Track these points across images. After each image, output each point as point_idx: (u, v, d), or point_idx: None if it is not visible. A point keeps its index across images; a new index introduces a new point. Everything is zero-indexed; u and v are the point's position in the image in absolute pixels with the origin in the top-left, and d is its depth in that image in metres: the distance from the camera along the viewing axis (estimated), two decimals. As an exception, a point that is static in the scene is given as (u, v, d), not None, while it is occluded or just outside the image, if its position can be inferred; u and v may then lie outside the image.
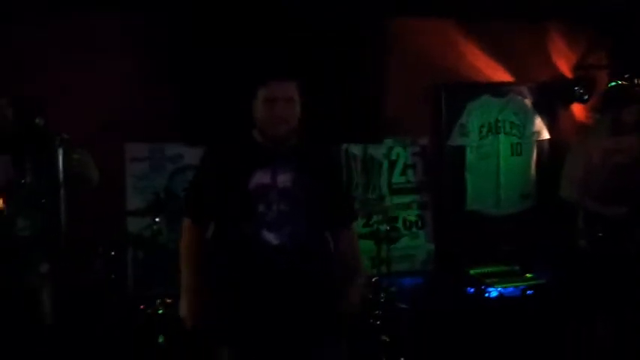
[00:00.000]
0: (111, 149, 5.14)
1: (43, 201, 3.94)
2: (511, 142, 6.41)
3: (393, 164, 6.14)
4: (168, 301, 4.48)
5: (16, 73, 4.90)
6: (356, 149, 5.99)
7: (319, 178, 3.14)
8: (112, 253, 4.56)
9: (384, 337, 4.75)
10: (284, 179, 3.07)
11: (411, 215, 6.18)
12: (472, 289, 5.42)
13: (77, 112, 4.93)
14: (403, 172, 6.17)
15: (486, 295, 5.31)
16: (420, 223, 6.20)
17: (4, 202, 3.80)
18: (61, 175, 3.79)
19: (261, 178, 3.05)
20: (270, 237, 3.01)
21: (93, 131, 4.93)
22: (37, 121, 3.78)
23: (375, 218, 5.80)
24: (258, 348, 3.01)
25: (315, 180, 3.12)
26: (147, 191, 5.36)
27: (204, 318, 3.06)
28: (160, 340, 4.44)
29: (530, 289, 5.37)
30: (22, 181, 3.88)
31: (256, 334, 3.01)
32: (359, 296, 3.21)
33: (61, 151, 3.81)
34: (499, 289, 5.32)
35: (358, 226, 5.67)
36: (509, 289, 5.37)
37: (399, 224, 6.09)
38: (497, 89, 6.38)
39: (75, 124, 4.25)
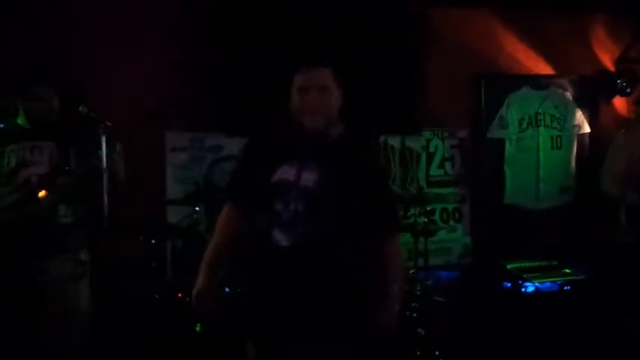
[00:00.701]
0: (152, 138, 5.21)
1: (85, 188, 4.00)
2: (551, 135, 6.35)
3: (431, 156, 6.12)
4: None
5: (60, 60, 4.96)
6: (394, 141, 5.98)
7: (354, 179, 2.88)
8: (153, 241, 4.60)
9: (419, 330, 4.74)
10: (308, 178, 2.85)
11: (449, 208, 6.16)
12: (509, 284, 5.38)
13: (120, 99, 4.99)
14: (441, 165, 6.14)
15: (523, 289, 5.27)
16: (457, 216, 6.17)
17: (46, 190, 3.85)
18: (104, 163, 3.82)
19: (285, 173, 2.88)
20: (281, 237, 2.83)
21: (135, 119, 4.96)
22: (80, 108, 3.80)
23: (412, 211, 5.78)
24: (266, 345, 2.91)
25: (348, 180, 2.87)
26: (186, 181, 5.41)
27: (211, 303, 3.02)
28: (198, 329, 4.47)
29: (567, 285, 5.31)
30: (66, 167, 3.94)
31: (263, 330, 2.92)
32: (393, 312, 2.94)
33: (104, 139, 3.83)
34: (536, 284, 5.28)
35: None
36: (547, 284, 5.31)
37: (437, 217, 6.08)
38: (537, 81, 6.32)
39: (118, 111, 4.28)
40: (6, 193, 3.86)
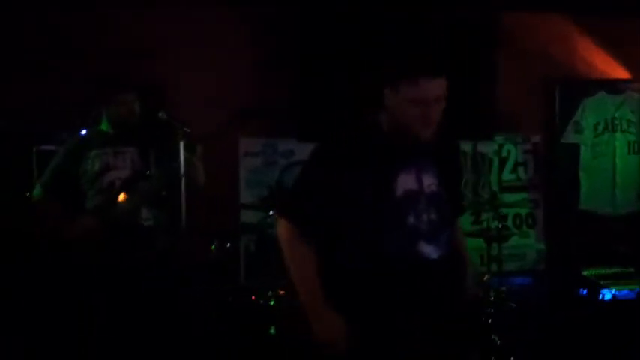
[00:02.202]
0: (226, 143, 5.30)
1: (164, 193, 4.10)
2: (628, 140, 6.21)
3: (503, 162, 6.06)
4: (281, 292, 4.55)
5: (141, 67, 5.08)
6: (465, 146, 5.94)
7: (452, 176, 2.80)
8: (227, 244, 4.68)
9: (493, 337, 4.70)
10: (430, 182, 2.69)
11: (522, 214, 6.08)
12: (585, 291, 5.28)
13: (196, 106, 5.09)
14: (514, 170, 6.07)
15: (600, 297, 5.17)
16: (530, 222, 6.09)
17: (125, 195, 3.96)
18: (182, 168, 3.91)
19: (407, 183, 2.64)
20: (429, 250, 2.65)
21: (210, 125, 5.05)
22: (160, 114, 3.91)
23: (484, 216, 5.73)
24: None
25: (449, 179, 2.77)
26: (259, 185, 5.49)
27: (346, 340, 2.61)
28: (272, 331, 4.52)
29: (645, 292, 5.20)
30: (147, 172, 4.04)
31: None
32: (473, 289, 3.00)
33: (182, 145, 3.92)
34: (613, 291, 5.17)
35: (467, 223, 5.65)
36: (624, 291, 5.20)
37: (509, 223, 6.01)
38: (613, 86, 6.20)
39: (194, 118, 4.37)
40: (90, 197, 3.99)
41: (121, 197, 3.95)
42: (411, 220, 2.62)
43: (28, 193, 4.10)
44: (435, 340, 2.67)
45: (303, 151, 5.54)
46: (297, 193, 2.75)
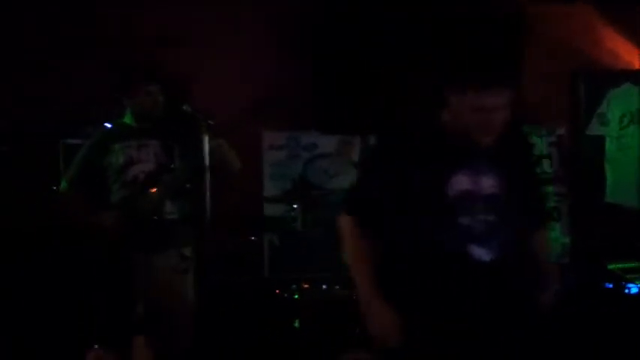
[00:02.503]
0: (250, 136, 5.30)
1: (188, 186, 4.11)
2: (654, 132, 6.15)
3: (528, 154, 6.02)
4: (305, 286, 4.56)
5: (165, 59, 5.08)
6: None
7: (523, 174, 2.73)
8: (252, 237, 4.69)
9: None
10: (489, 183, 2.62)
11: (547, 207, 6.04)
12: (611, 285, 5.23)
13: (220, 99, 5.08)
14: (539, 162, 6.02)
15: (626, 291, 5.12)
16: (555, 215, 6.05)
17: (154, 189, 3.97)
18: (206, 161, 3.91)
19: (462, 183, 2.60)
20: (481, 252, 2.60)
21: (235, 118, 5.06)
22: (184, 107, 3.91)
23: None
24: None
25: (520, 176, 2.69)
26: (283, 179, 5.49)
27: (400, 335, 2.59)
28: (296, 324, 4.53)
29: (652, 287, 5.15)
30: (171, 165, 4.05)
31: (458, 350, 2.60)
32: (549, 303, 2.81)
33: (206, 137, 3.92)
34: (639, 285, 5.12)
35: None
36: (630, 285, 5.16)
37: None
38: (639, 77, 6.12)
39: (218, 110, 4.37)
40: (115, 190, 4.01)
41: (153, 190, 3.97)
42: (465, 220, 2.59)
43: (55, 187, 4.12)
44: (476, 342, 2.61)
45: (326, 144, 5.59)
46: (359, 187, 2.80)
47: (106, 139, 4.08)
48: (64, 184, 4.09)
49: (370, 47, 5.23)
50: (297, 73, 5.39)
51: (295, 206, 4.83)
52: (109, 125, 4.19)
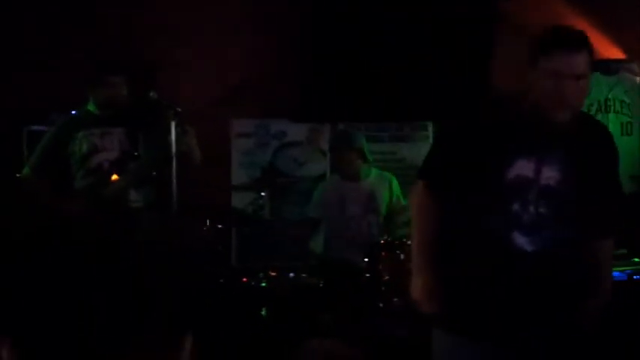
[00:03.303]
0: (218, 124, 5.27)
1: (154, 174, 4.07)
2: (621, 121, 6.18)
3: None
4: (272, 274, 4.55)
5: (130, 47, 5.03)
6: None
7: (596, 171, 2.61)
8: (219, 226, 4.66)
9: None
10: (549, 174, 2.54)
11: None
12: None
13: (188, 86, 5.05)
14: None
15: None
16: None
17: (117, 177, 3.94)
18: (173, 149, 3.88)
19: (522, 168, 2.53)
20: (523, 241, 2.53)
21: (202, 106, 5.02)
22: (150, 94, 3.87)
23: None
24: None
25: (590, 178, 2.59)
26: (251, 167, 5.46)
27: (441, 304, 2.61)
28: (263, 312, 4.52)
29: (637, 274, 5.19)
30: (135, 153, 4.02)
31: (489, 337, 2.56)
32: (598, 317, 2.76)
33: (173, 125, 3.89)
34: (605, 272, 5.17)
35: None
36: (615, 273, 5.18)
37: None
38: (607, 66, 6.14)
39: (185, 98, 4.34)
40: (79, 177, 3.97)
41: (114, 177, 3.93)
42: (516, 207, 2.53)
43: (18, 174, 4.07)
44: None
45: (296, 132, 5.56)
46: (434, 157, 2.74)
47: (69, 126, 4.04)
48: (26, 170, 4.04)
49: (346, 34, 5.23)
50: (267, 60, 5.37)
51: (263, 194, 4.82)
52: (73, 112, 4.14)
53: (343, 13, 5.32)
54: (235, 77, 5.36)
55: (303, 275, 4.46)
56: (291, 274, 4.37)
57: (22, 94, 4.80)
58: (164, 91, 4.05)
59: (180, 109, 3.89)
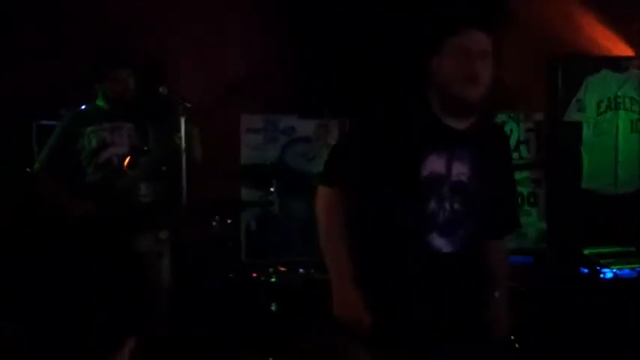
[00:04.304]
0: (228, 119, 5.26)
1: (163, 168, 4.07)
2: (631, 118, 6.16)
3: (505, 140, 6.02)
4: (282, 269, 4.55)
5: (140, 41, 5.00)
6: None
7: (497, 171, 2.61)
8: (229, 221, 4.65)
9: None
10: (460, 170, 2.51)
11: (524, 192, 6.06)
12: (586, 270, 5.27)
13: (198, 81, 5.03)
14: (516, 148, 6.03)
15: (601, 276, 5.15)
16: (532, 201, 6.07)
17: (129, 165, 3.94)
18: (182, 143, 3.88)
19: (435, 164, 2.49)
20: (441, 243, 2.52)
21: (212, 101, 5.01)
22: (160, 89, 3.87)
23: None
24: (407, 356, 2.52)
25: (494, 173, 2.59)
26: (260, 162, 5.45)
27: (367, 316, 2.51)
28: (273, 308, 4.51)
29: (646, 272, 5.18)
30: (145, 148, 4.02)
31: (406, 341, 2.53)
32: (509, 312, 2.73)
33: (183, 120, 3.89)
34: (614, 270, 5.15)
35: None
36: (625, 270, 5.19)
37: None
38: (617, 63, 6.13)
39: (195, 93, 4.32)
40: (89, 172, 3.97)
41: (126, 161, 3.94)
42: (432, 205, 2.50)
43: (28, 169, 4.07)
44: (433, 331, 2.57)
45: (305, 127, 5.56)
46: (339, 159, 2.63)
47: (78, 121, 4.04)
48: (36, 166, 4.04)
49: (352, 29, 5.21)
50: (276, 55, 5.36)
51: (272, 190, 4.81)
52: (82, 108, 4.13)
53: (347, 9, 5.32)
54: (243, 72, 5.35)
55: (313, 271, 4.46)
56: (301, 270, 4.36)
57: (32, 89, 4.79)
58: (173, 87, 4.04)
59: (189, 105, 3.90)
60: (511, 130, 6.02)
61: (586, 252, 5.40)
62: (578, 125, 6.08)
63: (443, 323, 2.54)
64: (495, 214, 2.63)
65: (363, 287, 2.52)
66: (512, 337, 4.56)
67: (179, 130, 3.88)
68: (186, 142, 3.88)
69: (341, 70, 5.27)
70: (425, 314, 2.53)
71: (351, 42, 5.24)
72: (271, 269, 4.67)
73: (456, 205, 2.51)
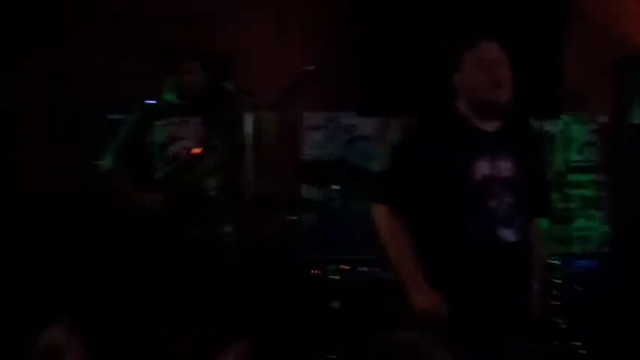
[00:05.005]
0: (289, 116, 5.28)
1: (229, 163, 4.11)
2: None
3: (569, 142, 5.92)
4: (344, 267, 4.53)
5: (207, 37, 5.06)
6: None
7: (531, 162, 2.88)
8: (293, 217, 4.66)
9: (557, 320, 4.62)
10: (505, 166, 2.77)
11: (588, 195, 5.95)
12: (651, 275, 5.15)
13: (262, 77, 5.06)
14: (581, 151, 5.92)
15: (666, 281, 5.03)
16: (597, 204, 5.96)
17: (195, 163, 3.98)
18: (249, 139, 3.91)
19: (483, 168, 2.74)
20: (508, 234, 2.74)
21: (275, 97, 5.02)
22: (227, 85, 3.91)
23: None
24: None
25: (528, 163, 2.84)
26: (321, 159, 5.45)
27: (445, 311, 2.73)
28: (335, 305, 4.50)
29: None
30: (211, 142, 4.05)
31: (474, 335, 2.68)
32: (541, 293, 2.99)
33: (247, 115, 3.92)
34: (680, 275, 5.03)
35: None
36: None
37: (576, 204, 5.88)
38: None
39: (259, 89, 4.34)
40: (157, 166, 4.02)
41: (195, 150, 3.98)
42: (492, 203, 2.74)
43: (98, 163, 4.12)
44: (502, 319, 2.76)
45: (366, 125, 5.54)
46: (390, 177, 2.91)
47: (148, 115, 4.09)
48: (107, 161, 4.09)
49: (412, 27, 5.19)
50: (338, 53, 5.35)
51: (334, 187, 4.80)
52: (151, 102, 4.18)
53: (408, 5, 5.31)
54: (303, 68, 5.35)
55: (376, 270, 4.43)
56: (363, 268, 4.34)
57: (102, 83, 4.88)
58: (236, 82, 4.07)
59: (254, 100, 3.92)
60: (576, 132, 5.91)
61: (651, 257, 5.29)
62: (645, 128, 5.96)
63: (512, 309, 2.77)
64: (531, 198, 2.85)
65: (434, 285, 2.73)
66: (578, 344, 4.52)
67: (243, 125, 3.91)
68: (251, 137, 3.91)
69: (401, 68, 5.26)
70: (498, 301, 2.74)
71: (410, 41, 5.23)
72: (333, 267, 4.66)
73: (509, 199, 2.75)
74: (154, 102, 4.17)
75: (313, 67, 4.42)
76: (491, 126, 2.79)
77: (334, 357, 3.99)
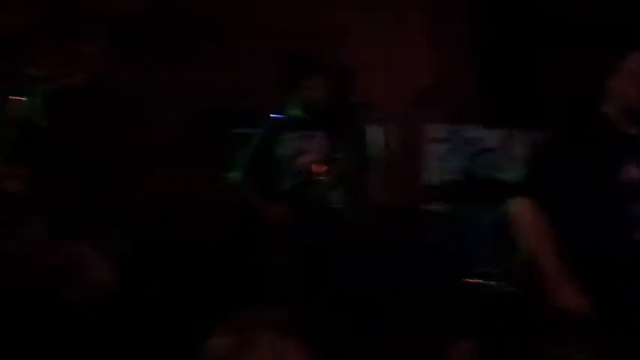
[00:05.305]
0: (412, 129, 5.27)
1: (352, 176, 4.14)
2: None
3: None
4: (470, 281, 4.45)
5: (332, 51, 5.11)
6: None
7: None
8: (411, 230, 4.64)
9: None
10: None
11: None
12: None
13: (385, 90, 5.08)
14: None
15: None
16: None
17: (322, 177, 4.03)
18: (372, 153, 3.93)
19: (631, 172, 2.75)
20: None
21: (399, 110, 5.04)
22: (352, 99, 3.95)
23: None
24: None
25: None
26: (445, 172, 5.41)
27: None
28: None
29: None
30: (337, 156, 4.10)
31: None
32: None
33: (373, 129, 3.94)
34: None
35: None
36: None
37: None
38: None
39: (382, 102, 4.36)
40: (284, 179, 4.10)
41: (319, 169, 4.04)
42: (636, 208, 2.73)
43: (227, 176, 4.23)
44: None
45: (490, 138, 5.44)
46: (536, 173, 2.89)
47: (276, 129, 4.18)
48: (236, 174, 4.20)
49: (542, 39, 5.08)
50: (461, 65, 5.31)
51: (460, 199, 4.75)
52: (277, 116, 4.28)
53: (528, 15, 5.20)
54: (426, 81, 5.34)
55: (503, 283, 4.33)
56: (490, 282, 4.26)
57: (228, 98, 5.01)
58: (358, 95, 4.09)
59: (378, 114, 3.95)
60: None
61: None
62: None
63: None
64: None
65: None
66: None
67: (367, 139, 3.94)
68: (374, 151, 3.93)
69: (527, 80, 5.16)
70: (630, 301, 2.72)
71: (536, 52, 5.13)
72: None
73: None
74: (281, 116, 4.26)
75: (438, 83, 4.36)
76: (635, 130, 2.80)
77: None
